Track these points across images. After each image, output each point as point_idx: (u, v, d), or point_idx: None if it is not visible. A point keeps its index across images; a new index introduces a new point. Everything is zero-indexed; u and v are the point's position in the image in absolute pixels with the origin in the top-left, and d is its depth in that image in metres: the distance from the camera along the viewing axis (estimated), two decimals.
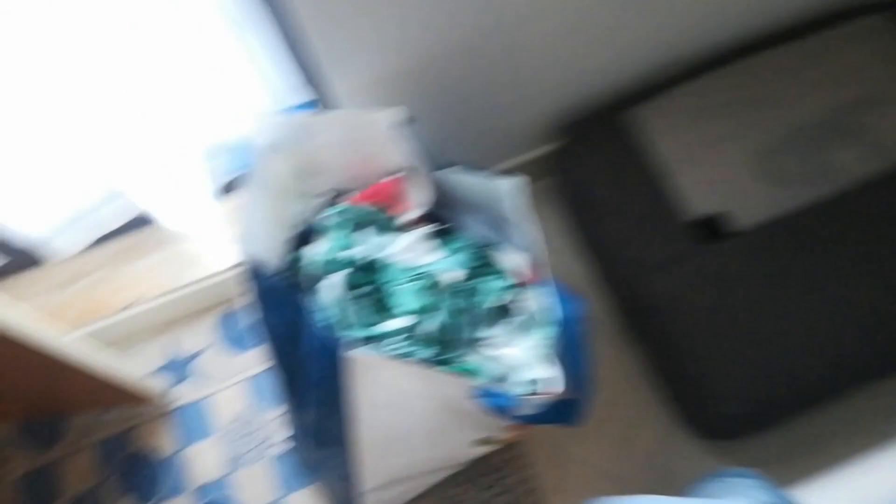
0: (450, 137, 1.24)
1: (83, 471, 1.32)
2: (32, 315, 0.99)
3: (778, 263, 1.16)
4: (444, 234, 1.08)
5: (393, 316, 0.97)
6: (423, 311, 0.93)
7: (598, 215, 1.30)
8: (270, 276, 0.91)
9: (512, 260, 1.02)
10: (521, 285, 0.95)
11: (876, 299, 1.13)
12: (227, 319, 1.43)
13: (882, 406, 1.26)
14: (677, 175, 1.23)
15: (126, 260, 1.38)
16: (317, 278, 1.01)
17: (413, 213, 1.11)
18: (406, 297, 0.95)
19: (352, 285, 0.98)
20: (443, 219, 1.15)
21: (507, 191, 0.96)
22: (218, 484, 1.30)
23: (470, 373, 0.91)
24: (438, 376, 0.82)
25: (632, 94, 1.30)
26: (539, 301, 0.94)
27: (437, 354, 0.91)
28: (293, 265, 1.07)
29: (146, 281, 1.36)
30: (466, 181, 1.04)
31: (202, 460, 1.32)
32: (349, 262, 0.99)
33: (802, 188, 1.20)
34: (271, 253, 1.06)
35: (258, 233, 0.98)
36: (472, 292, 0.96)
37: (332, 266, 1.00)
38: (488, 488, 1.30)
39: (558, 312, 0.85)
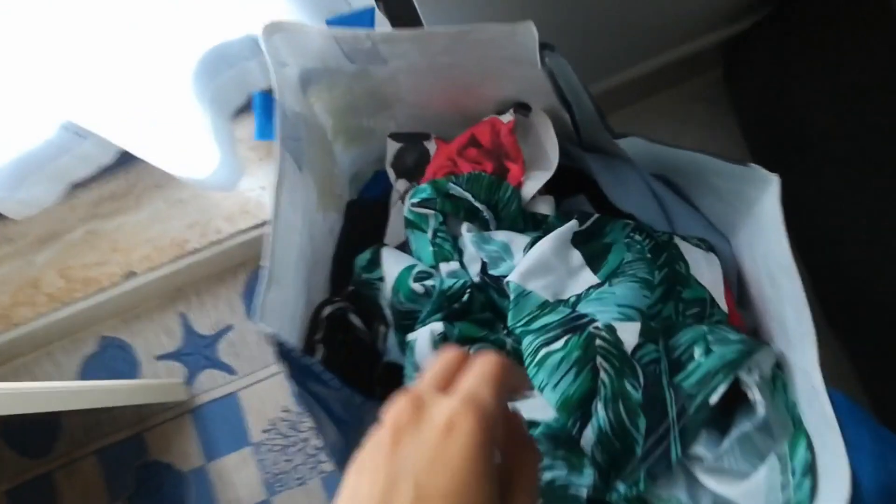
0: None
1: (84, 486, 1.03)
2: None
3: None
4: (590, 234, 0.65)
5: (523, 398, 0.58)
6: (573, 403, 0.54)
7: (809, 145, 0.83)
8: (305, 361, 0.51)
9: (718, 297, 0.60)
10: (747, 354, 0.53)
11: None
12: (255, 288, 1.05)
13: None
14: None
15: (111, 214, 0.99)
16: (401, 318, 0.62)
17: (531, 185, 0.68)
18: (543, 372, 0.55)
19: (452, 341, 0.58)
20: (569, 197, 0.72)
21: (744, 182, 0.53)
22: None
23: None
24: None
25: None
26: (788, 396, 0.54)
27: (600, 484, 0.53)
28: (363, 286, 0.67)
29: (141, 241, 0.98)
30: (642, 152, 0.60)
31: (232, 479, 1.00)
32: (446, 295, 0.59)
33: None
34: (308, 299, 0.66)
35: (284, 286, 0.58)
36: (659, 365, 0.55)
37: (415, 300, 0.60)
38: None
39: (852, 450, 0.44)
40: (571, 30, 0.79)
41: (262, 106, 0.59)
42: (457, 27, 0.55)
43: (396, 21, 0.66)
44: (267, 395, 1.03)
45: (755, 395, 0.52)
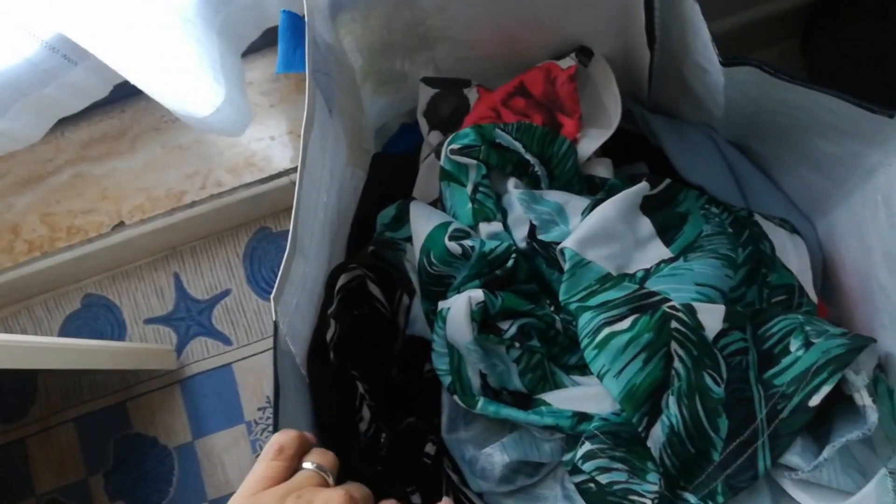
0: None
1: (59, 456, 0.94)
2: None
3: None
4: (662, 201, 0.56)
5: (573, 385, 0.49)
6: (641, 395, 0.45)
7: None
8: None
9: (806, 285, 0.51)
10: (855, 350, 0.44)
11: None
12: (258, 250, 0.96)
13: None
14: None
15: (102, 157, 0.89)
16: (431, 283, 0.52)
17: (588, 144, 0.59)
18: (605, 356, 0.46)
19: (493, 314, 0.48)
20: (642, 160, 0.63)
21: (869, 142, 0.44)
22: None
23: None
24: None
25: None
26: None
27: (667, 493, 0.44)
28: (386, 246, 0.57)
29: (134, 190, 0.89)
30: (746, 93, 0.50)
31: (222, 458, 0.91)
32: (487, 259, 0.50)
33: None
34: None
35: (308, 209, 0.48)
36: (746, 357, 0.46)
37: (450, 263, 0.51)
38: None
39: None
40: None
41: (289, 28, 0.49)
42: None
43: None
44: (264, 370, 0.93)
45: (864, 399, 0.43)
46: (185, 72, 0.70)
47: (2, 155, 0.85)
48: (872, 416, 0.42)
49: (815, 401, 0.42)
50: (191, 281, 0.96)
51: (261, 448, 0.91)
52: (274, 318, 0.41)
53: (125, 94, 0.86)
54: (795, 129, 0.51)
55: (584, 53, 0.61)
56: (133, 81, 0.68)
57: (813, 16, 0.82)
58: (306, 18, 0.51)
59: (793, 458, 0.43)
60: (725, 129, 0.60)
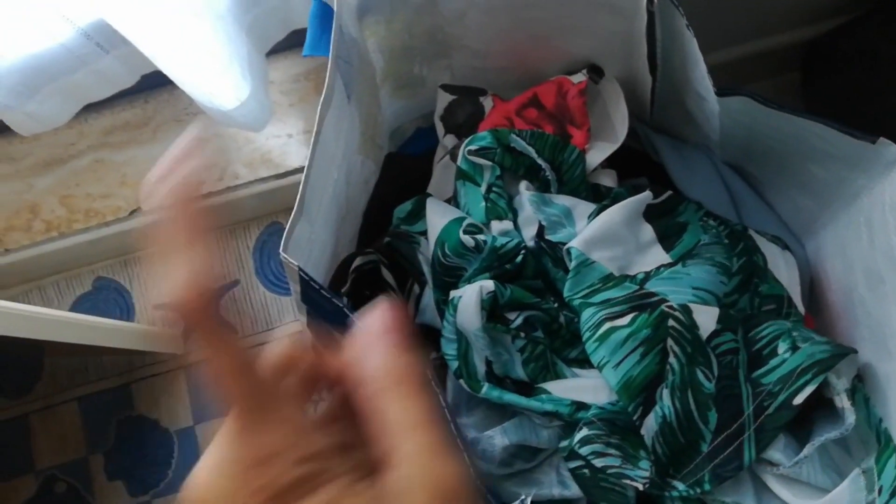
0: None
1: (61, 433, 0.96)
2: None
3: None
4: (663, 210, 0.59)
5: (573, 377, 0.52)
6: (636, 386, 0.48)
7: None
8: (335, 301, 0.45)
9: (794, 297, 0.54)
10: (838, 356, 0.47)
11: None
12: (268, 244, 0.99)
13: None
14: None
15: (123, 144, 0.92)
16: (443, 274, 0.55)
17: (595, 155, 0.62)
18: (605, 348, 0.49)
19: (502, 304, 0.52)
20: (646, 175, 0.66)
21: (854, 167, 0.47)
22: None
23: None
24: None
25: None
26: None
27: (657, 479, 0.47)
28: (401, 238, 0.60)
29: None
30: (740, 120, 0.54)
31: None
32: (498, 253, 0.53)
33: None
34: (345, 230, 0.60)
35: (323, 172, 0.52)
36: (736, 356, 0.49)
37: (462, 255, 0.54)
38: None
39: None
40: None
41: (318, 15, 0.53)
42: None
43: None
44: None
45: (843, 402, 0.46)
46: (214, 65, 0.73)
47: (26, 136, 0.88)
48: (850, 417, 0.46)
49: (799, 399, 0.46)
50: None
51: None
52: (293, 264, 0.43)
53: (150, 84, 0.89)
54: (787, 153, 0.54)
55: (595, 72, 0.65)
56: (164, 70, 0.71)
57: (811, 54, 0.86)
58: (335, 7, 0.54)
59: (776, 454, 0.46)
60: (722, 152, 0.64)
